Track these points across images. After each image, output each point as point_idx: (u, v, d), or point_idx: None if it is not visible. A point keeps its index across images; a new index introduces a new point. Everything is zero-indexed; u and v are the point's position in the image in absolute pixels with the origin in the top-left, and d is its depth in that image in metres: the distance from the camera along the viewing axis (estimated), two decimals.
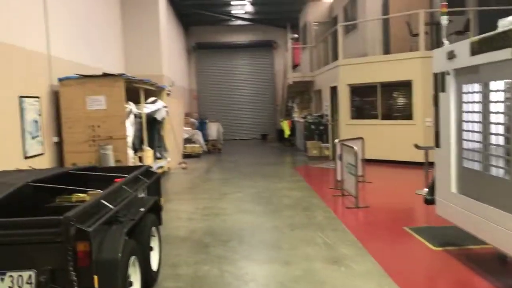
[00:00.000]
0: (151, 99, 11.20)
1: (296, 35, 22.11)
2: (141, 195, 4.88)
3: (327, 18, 19.05)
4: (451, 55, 4.43)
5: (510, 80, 3.50)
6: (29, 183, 3.94)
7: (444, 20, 5.15)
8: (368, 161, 10.18)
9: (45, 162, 7.65)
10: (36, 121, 7.42)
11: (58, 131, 8.27)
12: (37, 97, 7.49)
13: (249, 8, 21.06)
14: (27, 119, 7.08)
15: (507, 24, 3.60)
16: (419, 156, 11.10)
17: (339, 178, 8.56)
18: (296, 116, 18.90)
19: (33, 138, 7.33)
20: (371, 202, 7.47)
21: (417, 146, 8.54)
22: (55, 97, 8.22)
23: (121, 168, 5.65)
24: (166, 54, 14.58)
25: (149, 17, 13.48)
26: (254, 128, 25.24)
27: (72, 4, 9.27)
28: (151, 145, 10.69)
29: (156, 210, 4.91)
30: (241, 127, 25.29)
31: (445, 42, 4.93)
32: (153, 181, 5.28)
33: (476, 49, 3.96)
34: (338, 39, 13.65)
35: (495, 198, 3.78)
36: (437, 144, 4.89)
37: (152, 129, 11.15)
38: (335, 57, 14.15)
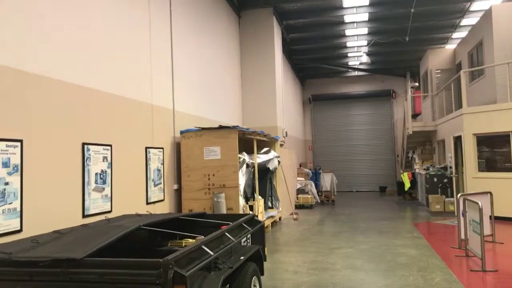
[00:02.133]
0: (264, 149, 11.54)
1: (416, 83, 21.32)
2: (245, 243, 4.92)
3: (450, 65, 18.09)
4: None
5: None
6: (141, 226, 4.23)
7: None
8: (499, 219, 9.05)
9: (164, 208, 8.22)
10: (159, 170, 8.09)
11: (178, 179, 8.89)
12: (161, 148, 8.21)
13: (365, 59, 20.99)
14: (151, 168, 7.77)
15: None
16: None
17: (462, 236, 7.72)
18: (417, 167, 17.82)
19: (156, 185, 7.98)
20: (501, 266, 6.54)
21: None
22: (177, 148, 8.93)
23: (228, 216, 5.82)
24: (281, 107, 15.05)
25: (266, 71, 14.17)
26: (372, 180, 24.36)
27: (196, 63, 10.19)
28: (262, 194, 10.88)
29: (258, 259, 4.91)
30: (358, 179, 24.60)
31: None
32: (257, 229, 5.32)
33: None
34: (462, 86, 12.78)
35: None
36: None
37: (264, 178, 11.39)
38: (459, 105, 13.22)
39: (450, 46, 18.54)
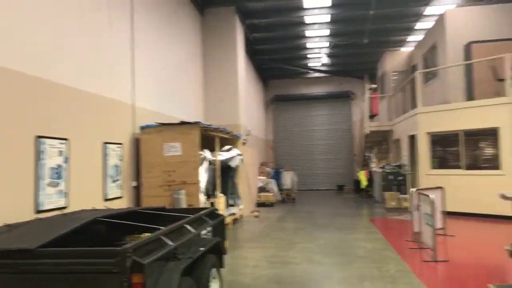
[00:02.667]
0: (227, 147, 11.55)
1: (374, 85, 21.92)
2: (205, 236, 4.93)
3: (406, 67, 18.72)
4: None
5: None
6: (98, 218, 4.15)
7: None
8: (450, 214, 9.47)
9: (122, 205, 8.07)
10: (117, 166, 7.94)
11: (137, 176, 8.76)
12: (120, 144, 8.06)
13: (326, 60, 21.39)
14: (110, 164, 7.61)
15: None
16: (509, 209, 10.17)
17: (416, 230, 8.03)
18: (374, 166, 18.33)
19: (114, 182, 7.83)
20: (452, 256, 6.85)
21: (503, 196, 7.79)
22: (137, 144, 8.79)
23: (188, 209, 5.80)
24: (243, 105, 15.10)
25: (229, 70, 14.17)
26: (331, 178, 24.86)
27: (157, 59, 10.07)
28: (224, 192, 10.89)
29: (218, 252, 4.92)
30: (317, 178, 25.04)
31: None
32: (217, 223, 5.33)
33: None
34: (417, 87, 13.27)
35: None
36: None
37: (226, 176, 11.40)
38: (414, 106, 13.72)
39: (406, 49, 19.18)
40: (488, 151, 11.36)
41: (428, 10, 15.06)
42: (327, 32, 17.25)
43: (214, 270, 4.59)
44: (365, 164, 20.52)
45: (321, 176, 25.09)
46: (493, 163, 11.01)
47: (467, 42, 13.02)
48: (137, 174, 8.77)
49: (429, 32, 15.68)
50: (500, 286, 5.25)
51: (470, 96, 12.60)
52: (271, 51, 20.00)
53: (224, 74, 14.13)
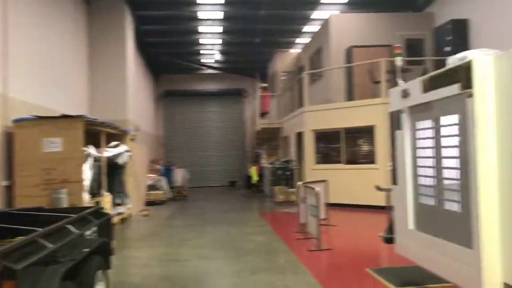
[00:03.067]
0: (114, 143, 10.97)
1: (265, 84, 22.56)
2: (90, 236, 4.60)
3: (294, 68, 19.58)
4: (405, 94, 4.50)
5: (460, 115, 3.54)
6: None
7: (398, 60, 5.30)
8: (333, 206, 10.12)
9: None
10: None
11: (9, 174, 7.89)
12: None
13: (219, 57, 21.48)
14: None
15: (455, 61, 3.69)
16: (383, 199, 11.15)
17: (302, 221, 8.42)
18: (264, 162, 18.90)
19: None
20: (334, 245, 7.31)
21: (378, 188, 8.54)
22: (8, 139, 7.91)
23: (71, 209, 5.37)
24: (132, 99, 14.49)
25: (116, 62, 13.47)
26: (223, 175, 25.07)
27: (35, 47, 9.17)
28: (110, 190, 10.34)
29: (104, 252, 4.62)
30: (210, 174, 25.08)
31: (400, 81, 5.05)
32: (103, 222, 5.00)
33: (428, 86, 4.03)
34: (304, 87, 13.95)
35: (450, 232, 3.72)
36: (394, 182, 4.87)
37: (113, 174, 10.83)
38: (301, 105, 14.41)
39: (295, 51, 20.07)
40: (365, 147, 12.38)
41: (314, 14, 15.91)
42: (220, 29, 17.31)
43: (100, 272, 4.30)
44: (256, 160, 21.08)
45: (213, 173, 25.18)
46: (370, 158, 12.02)
47: (349, 46, 14.01)
48: (10, 172, 7.91)
49: (315, 35, 16.59)
50: (376, 269, 5.72)
51: (350, 97, 13.59)
52: (163, 45, 19.50)
53: (112, 67, 13.41)
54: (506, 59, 3.22)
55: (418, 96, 4.24)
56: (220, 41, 19.09)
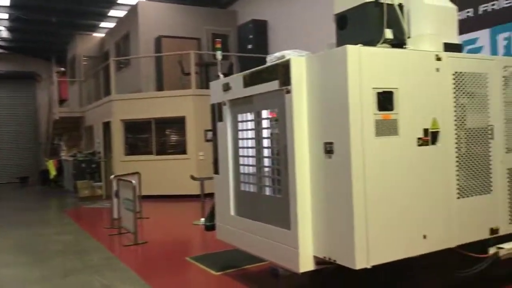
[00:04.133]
0: None
1: (62, 68, 20.62)
2: None
3: (98, 53, 18.41)
4: (226, 87, 4.70)
5: (279, 109, 3.88)
6: None
7: (219, 55, 5.50)
8: (145, 198, 9.95)
9: None
10: None
11: None
12: None
13: (6, 34, 18.64)
14: None
15: (274, 59, 4.02)
16: (195, 189, 11.52)
17: (115, 216, 8.06)
18: (64, 154, 17.30)
19: None
20: (150, 238, 7.21)
21: (193, 177, 8.78)
22: None
23: None
24: None
25: None
26: (11, 170, 21.89)
27: None
28: None
29: None
30: None
31: (221, 75, 5.25)
32: None
33: (248, 81, 4.29)
34: (111, 74, 13.25)
35: (270, 216, 4.07)
36: (216, 171, 5.06)
37: None
38: (108, 92, 13.67)
39: (99, 35, 18.85)
40: (177, 137, 12.53)
41: None
42: (7, 1, 14.98)
43: None
44: (54, 153, 19.11)
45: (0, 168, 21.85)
46: (181, 148, 12.21)
47: (158, 35, 13.88)
48: None
49: (122, 20, 15.90)
50: (196, 257, 5.88)
51: (160, 87, 13.52)
52: None
53: None
54: (315, 60, 3.66)
55: (239, 90, 4.48)
56: (7, 16, 16.57)
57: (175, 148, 12.51)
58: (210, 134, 12.12)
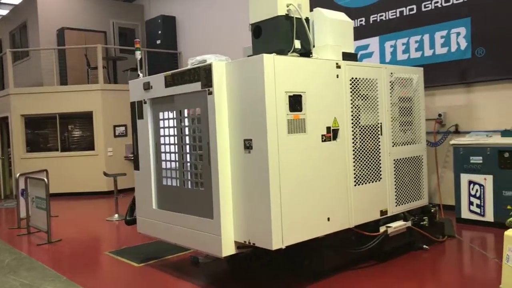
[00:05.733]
0: None
1: None
2: None
3: None
4: (147, 86, 4.92)
5: (202, 108, 4.23)
6: None
7: (138, 54, 5.66)
8: (52, 196, 9.62)
9: None
10: None
11: None
12: None
13: None
14: None
15: (196, 62, 4.35)
16: (105, 185, 11.36)
17: (23, 215, 7.77)
18: None
19: None
20: (64, 236, 7.11)
21: (105, 174, 8.74)
22: None
23: None
24: None
25: None
26: None
27: None
28: None
29: None
30: None
31: (140, 74, 5.43)
32: None
33: (170, 81, 4.57)
34: (8, 66, 12.42)
35: (193, 208, 4.41)
36: (137, 167, 5.25)
37: None
38: (3, 86, 12.79)
39: None
40: (84, 133, 12.17)
41: None
42: None
43: None
44: None
45: None
46: (88, 145, 11.90)
47: (60, 27, 13.27)
48: None
49: (18, 8, 14.89)
50: (116, 251, 6.00)
51: (64, 81, 12.97)
52: None
53: None
54: (235, 65, 4.07)
55: (160, 90, 4.74)
56: None
57: (82, 144, 12.15)
58: (121, 129, 12.02)
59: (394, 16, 7.86)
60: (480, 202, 6.27)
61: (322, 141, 4.24)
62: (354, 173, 4.56)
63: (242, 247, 4.20)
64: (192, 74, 4.27)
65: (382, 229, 4.84)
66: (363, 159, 4.67)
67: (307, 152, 4.11)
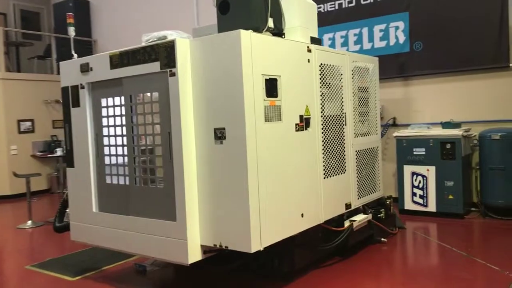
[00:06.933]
0: None
1: None
2: None
3: None
4: (85, 68, 4.16)
5: (160, 92, 3.61)
6: None
7: (71, 31, 4.86)
8: None
9: None
10: None
11: None
12: None
13: None
14: None
15: (153, 39, 3.72)
16: (9, 187, 10.04)
17: None
18: None
19: None
20: None
21: (15, 174, 7.54)
22: None
23: None
24: None
25: None
26: None
27: None
28: None
29: None
30: None
31: (75, 54, 4.62)
32: None
33: (118, 62, 3.88)
34: None
35: (150, 209, 3.77)
36: (71, 164, 4.44)
37: None
38: None
39: None
40: None
41: None
42: None
43: None
44: None
45: None
46: None
47: None
48: None
49: None
50: (39, 264, 5.07)
51: None
52: None
53: None
54: (203, 42, 3.51)
55: (104, 72, 4.02)
56: None
57: None
58: (27, 125, 10.62)
59: (333, 9, 7.78)
60: (423, 193, 6.38)
61: (296, 130, 3.88)
62: (324, 166, 4.26)
63: (209, 251, 3.68)
64: (148, 53, 3.64)
65: (346, 223, 4.62)
66: (330, 150, 4.39)
67: (282, 142, 3.71)
